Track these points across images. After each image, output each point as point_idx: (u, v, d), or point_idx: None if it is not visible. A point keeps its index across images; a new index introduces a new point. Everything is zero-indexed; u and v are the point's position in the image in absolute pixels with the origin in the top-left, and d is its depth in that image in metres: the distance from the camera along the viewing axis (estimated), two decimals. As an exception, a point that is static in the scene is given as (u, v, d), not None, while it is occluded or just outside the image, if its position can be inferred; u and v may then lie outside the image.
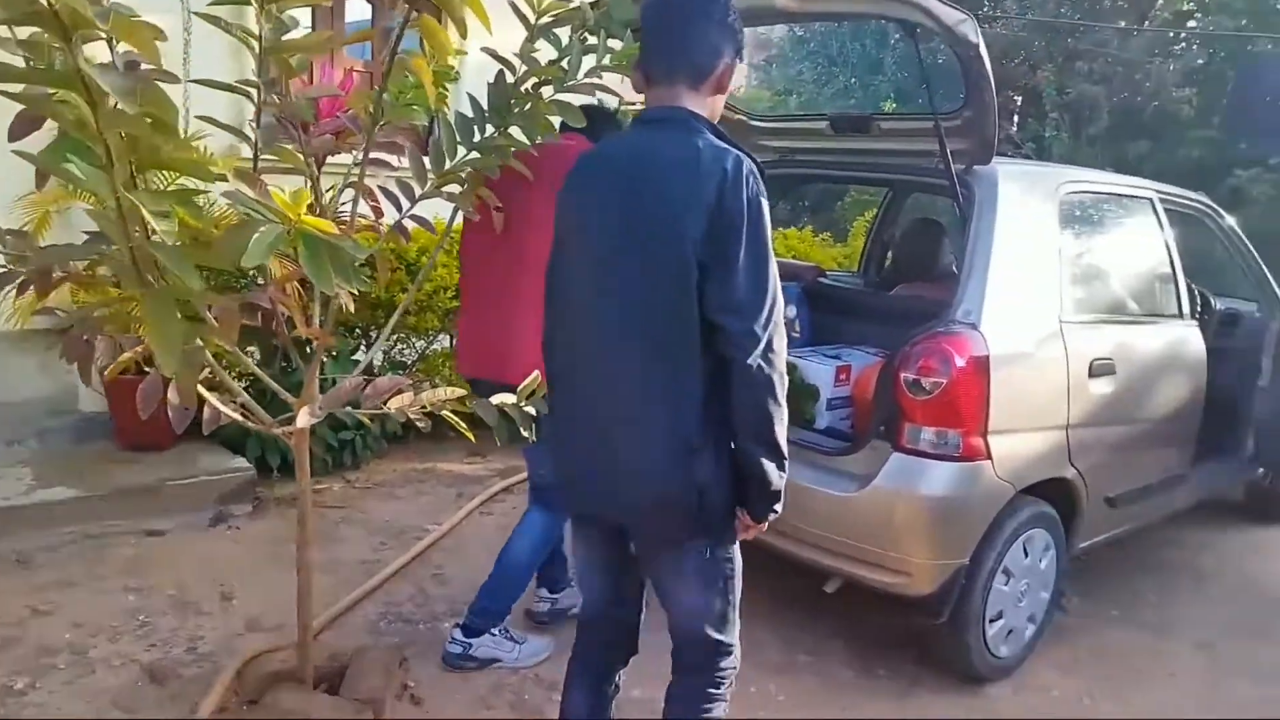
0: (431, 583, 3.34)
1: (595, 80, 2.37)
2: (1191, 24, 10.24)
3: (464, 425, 2.20)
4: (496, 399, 2.16)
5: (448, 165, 2.29)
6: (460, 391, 2.20)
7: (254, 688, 2.49)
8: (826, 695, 2.84)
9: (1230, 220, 4.10)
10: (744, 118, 3.58)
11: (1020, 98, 11.30)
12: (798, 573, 3.13)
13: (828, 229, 7.26)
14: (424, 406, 2.05)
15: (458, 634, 2.80)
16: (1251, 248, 4.16)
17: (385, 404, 2.03)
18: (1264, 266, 4.18)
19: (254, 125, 1.93)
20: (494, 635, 2.81)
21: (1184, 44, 10.04)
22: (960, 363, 2.65)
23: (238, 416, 2.00)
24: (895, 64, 11.74)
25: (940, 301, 2.87)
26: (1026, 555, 2.94)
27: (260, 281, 2.10)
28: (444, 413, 2.13)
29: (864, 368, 3.21)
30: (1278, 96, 8.07)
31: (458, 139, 2.30)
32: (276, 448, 3.94)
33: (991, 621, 2.88)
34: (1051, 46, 10.30)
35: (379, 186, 2.21)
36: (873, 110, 8.02)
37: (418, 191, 2.31)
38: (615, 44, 2.32)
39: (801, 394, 3.26)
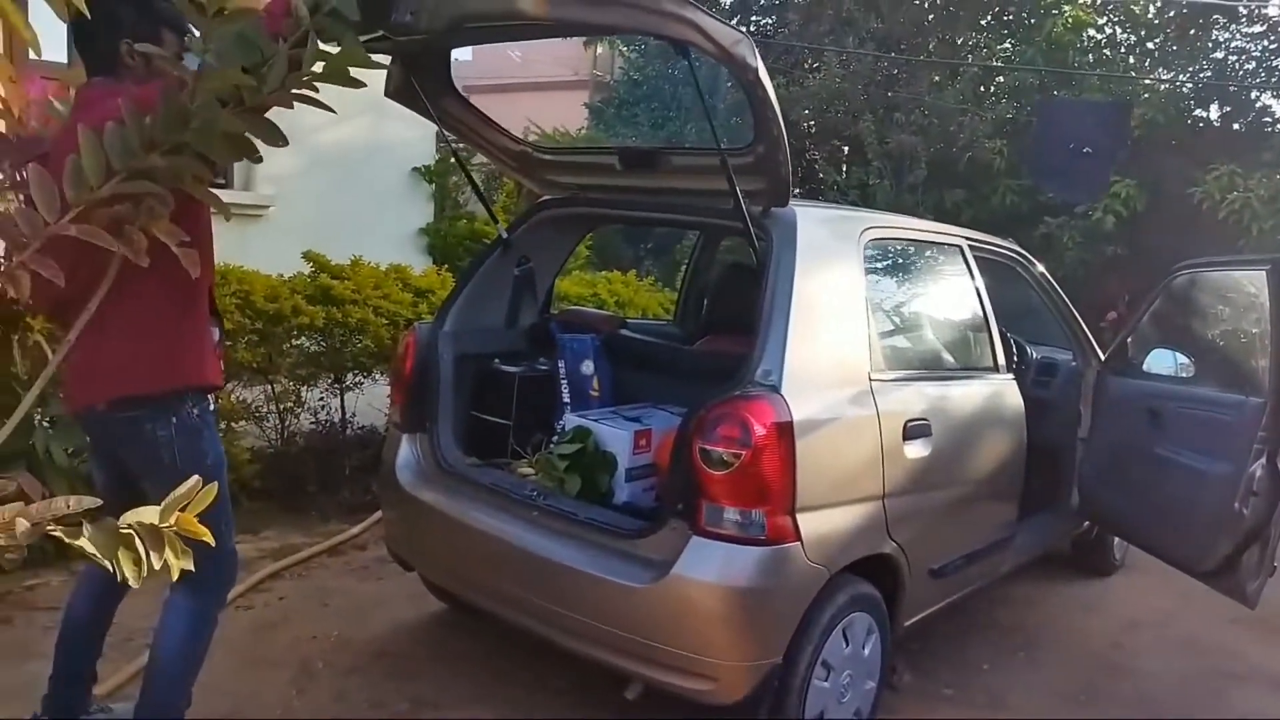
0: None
1: (300, 91, 1.87)
2: (999, 79, 10.74)
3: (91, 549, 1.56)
4: (132, 517, 1.53)
5: (102, 190, 1.71)
6: (92, 501, 1.56)
7: None
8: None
9: (1040, 267, 4.01)
10: (529, 150, 3.16)
11: (847, 147, 11.57)
12: (600, 673, 2.68)
13: (672, 274, 6.88)
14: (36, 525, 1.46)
15: None
16: (1064, 294, 4.08)
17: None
18: (1076, 313, 4.11)
19: None
20: None
21: (994, 98, 10.50)
22: (760, 431, 2.29)
23: None
24: (727, 109, 11.80)
25: (743, 357, 2.53)
26: (847, 643, 2.60)
27: None
28: (57, 532, 1.52)
29: (668, 430, 2.82)
30: (1073, 141, 8.43)
31: (111, 158, 1.72)
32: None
33: (811, 723, 2.51)
34: (871, 97, 10.58)
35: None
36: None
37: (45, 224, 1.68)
38: (329, 48, 1.84)
39: (596, 463, 2.84)
